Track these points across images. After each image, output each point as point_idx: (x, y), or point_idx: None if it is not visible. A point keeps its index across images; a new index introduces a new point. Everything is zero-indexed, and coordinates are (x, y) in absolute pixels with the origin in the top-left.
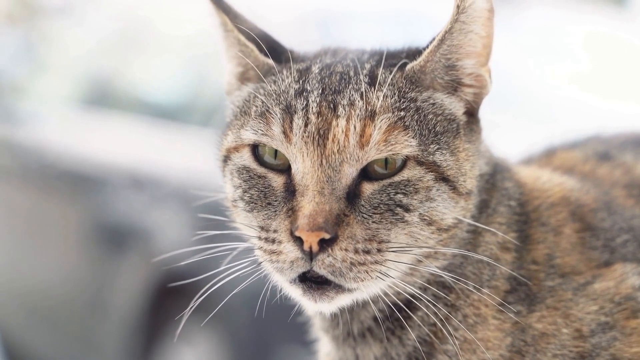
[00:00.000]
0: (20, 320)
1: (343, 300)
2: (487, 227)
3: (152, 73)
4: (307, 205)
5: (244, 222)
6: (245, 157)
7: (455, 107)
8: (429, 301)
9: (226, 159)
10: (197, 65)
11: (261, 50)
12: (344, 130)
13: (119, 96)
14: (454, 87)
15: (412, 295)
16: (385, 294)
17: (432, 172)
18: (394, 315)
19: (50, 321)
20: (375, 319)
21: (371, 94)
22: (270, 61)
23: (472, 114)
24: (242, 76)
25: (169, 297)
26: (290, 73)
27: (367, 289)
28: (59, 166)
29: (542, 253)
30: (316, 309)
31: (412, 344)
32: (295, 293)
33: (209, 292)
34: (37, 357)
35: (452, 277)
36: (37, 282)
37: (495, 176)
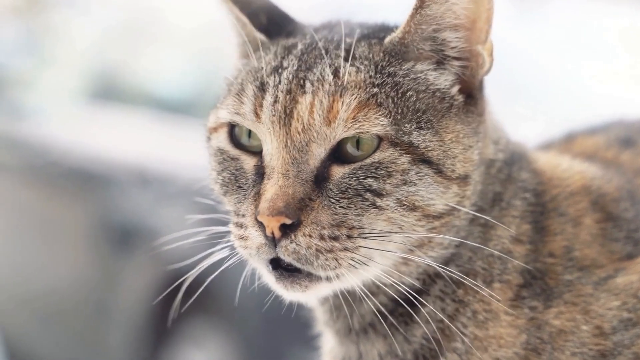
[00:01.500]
0: (24, 320)
1: (320, 290)
2: (497, 223)
3: (160, 65)
4: (270, 188)
5: (226, 206)
6: (221, 139)
7: (443, 82)
8: (435, 296)
9: (208, 140)
10: (207, 57)
11: (256, 23)
12: (309, 107)
13: (126, 90)
14: (438, 60)
15: (417, 289)
16: (384, 285)
17: (408, 153)
18: (399, 310)
19: (55, 321)
20: (376, 313)
21: (343, 69)
22: (261, 36)
23: (470, 94)
24: (240, 54)
25: (175, 295)
26: (275, 49)
27: (344, 278)
28: (64, 163)
29: (559, 245)
30: (291, 297)
31: (418, 341)
32: (269, 281)
33: (193, 276)
34: (42, 358)
35: (450, 271)
36: (41, 281)
37: (511, 167)
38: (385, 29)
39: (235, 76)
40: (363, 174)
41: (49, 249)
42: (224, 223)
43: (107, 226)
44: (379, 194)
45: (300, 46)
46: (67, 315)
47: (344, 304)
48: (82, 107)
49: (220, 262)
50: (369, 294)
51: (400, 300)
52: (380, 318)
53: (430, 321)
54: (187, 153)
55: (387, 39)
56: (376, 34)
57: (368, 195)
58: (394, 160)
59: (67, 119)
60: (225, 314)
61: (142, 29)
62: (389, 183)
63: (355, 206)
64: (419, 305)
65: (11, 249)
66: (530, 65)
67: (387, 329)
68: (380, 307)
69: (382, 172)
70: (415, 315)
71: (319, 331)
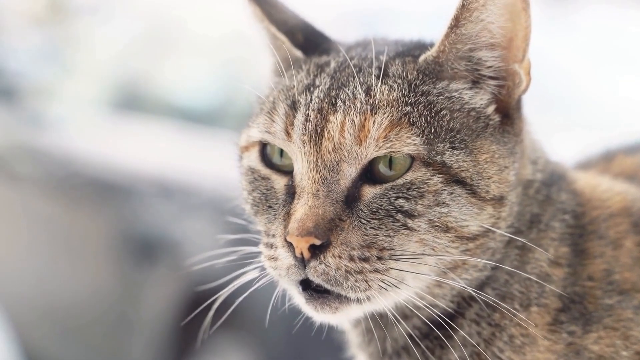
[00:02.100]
0: (44, 332)
1: (351, 312)
2: (531, 244)
3: (183, 75)
4: (300, 208)
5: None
6: (252, 158)
7: (478, 101)
8: (471, 319)
9: (239, 159)
10: (231, 66)
11: (294, 42)
12: (340, 126)
13: (149, 100)
14: (474, 79)
15: (452, 312)
16: (417, 308)
17: (440, 173)
18: (433, 334)
19: (75, 334)
20: (411, 336)
21: (375, 87)
22: (298, 52)
23: (506, 113)
24: (273, 72)
25: (199, 312)
26: (308, 67)
27: (375, 300)
28: (86, 174)
29: (599, 268)
30: (321, 319)
31: None
32: (300, 302)
33: (225, 294)
34: None
35: (479, 293)
36: (61, 294)
37: (550, 188)
38: (421, 47)
39: (267, 95)
40: (394, 195)
41: (70, 261)
42: (254, 243)
43: (129, 238)
44: (410, 215)
45: (333, 64)
46: (88, 328)
47: (379, 326)
48: (104, 117)
49: (249, 281)
50: (399, 317)
51: (433, 324)
52: (414, 342)
53: (466, 345)
54: (211, 164)
55: (422, 58)
56: (411, 51)
57: (399, 216)
58: (427, 181)
59: (89, 129)
60: (250, 331)
61: (166, 38)
62: (421, 204)
63: (386, 227)
64: (454, 329)
65: (32, 261)
66: (563, 74)
67: (421, 353)
68: (414, 330)
69: (414, 192)
70: (450, 339)
71: (352, 354)
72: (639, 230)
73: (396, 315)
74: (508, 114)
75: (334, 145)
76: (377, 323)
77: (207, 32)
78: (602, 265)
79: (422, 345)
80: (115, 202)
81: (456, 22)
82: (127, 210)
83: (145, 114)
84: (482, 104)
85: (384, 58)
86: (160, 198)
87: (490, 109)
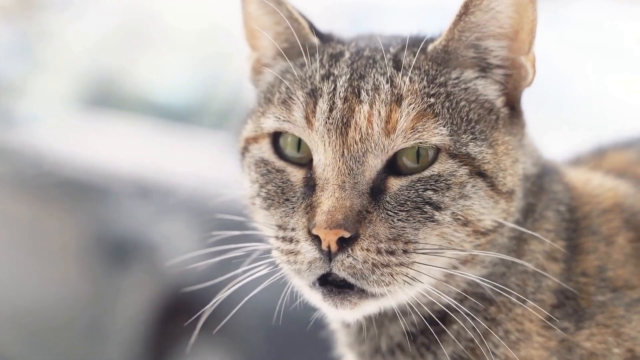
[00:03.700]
0: (14, 339)
1: (368, 307)
2: (533, 233)
3: (160, 71)
4: (326, 200)
5: (262, 220)
6: (264, 149)
7: (490, 92)
8: (466, 314)
9: (244, 150)
10: (209, 62)
11: (312, 28)
12: (367, 117)
13: (124, 96)
14: (481, 68)
15: (448, 307)
16: (417, 305)
17: (466, 165)
18: (428, 330)
19: (47, 341)
20: (406, 333)
21: (397, 78)
22: (316, 40)
23: (512, 106)
24: (280, 54)
25: (176, 316)
26: (321, 57)
27: (395, 295)
28: (58, 173)
29: (592, 264)
30: (338, 316)
31: None
32: (315, 298)
33: (223, 296)
34: None
35: (492, 285)
36: (34, 298)
37: (543, 178)
38: (419, 40)
39: (272, 84)
40: (422, 187)
41: (40, 264)
42: (254, 239)
43: (103, 240)
44: (437, 207)
45: (347, 54)
46: (58, 333)
47: (373, 324)
48: (77, 114)
49: (229, 280)
50: (401, 313)
51: (429, 320)
52: (410, 338)
53: (459, 340)
54: (189, 163)
55: (430, 47)
56: (415, 43)
57: (427, 208)
58: (454, 173)
59: (61, 127)
60: (230, 334)
61: (141, 32)
62: (447, 196)
63: (414, 219)
64: (449, 323)
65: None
66: (553, 71)
67: (416, 350)
68: (411, 327)
69: (442, 184)
70: (445, 335)
71: (339, 354)
72: (631, 227)
73: (398, 311)
74: (514, 106)
75: (361, 135)
76: (376, 320)
77: (184, 26)
78: (595, 261)
79: (418, 342)
80: (88, 202)
81: (465, 10)
82: (101, 211)
83: (119, 111)
84: (493, 96)
85: (395, 50)
86: (136, 198)
87: (500, 101)
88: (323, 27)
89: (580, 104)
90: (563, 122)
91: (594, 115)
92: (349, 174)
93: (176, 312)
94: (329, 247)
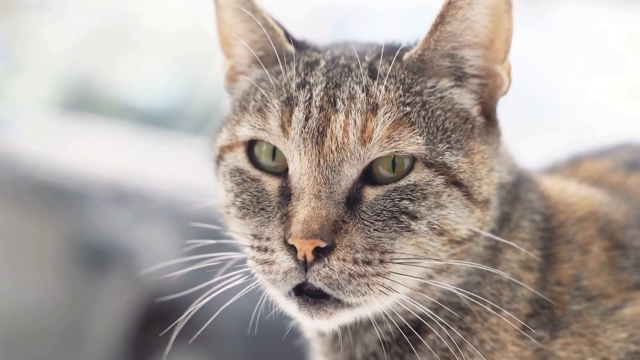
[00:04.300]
0: None
1: (344, 317)
2: (508, 242)
3: (138, 74)
4: (302, 210)
5: (238, 230)
6: (239, 158)
7: (466, 101)
8: (441, 323)
9: (219, 159)
10: (188, 66)
11: (287, 36)
12: (343, 126)
13: (102, 100)
14: (458, 76)
15: (423, 316)
16: (392, 314)
17: (442, 174)
18: (402, 339)
19: (24, 348)
20: (381, 342)
21: (373, 87)
22: (291, 48)
23: (488, 115)
24: (255, 62)
25: (154, 324)
26: (297, 65)
27: (370, 304)
28: (34, 178)
29: (567, 273)
30: (314, 325)
31: None
32: (291, 308)
33: (198, 306)
34: None
35: (467, 294)
36: (10, 304)
37: (518, 187)
38: (395, 48)
39: (247, 92)
40: (398, 196)
41: (17, 270)
42: (229, 249)
43: (80, 246)
44: (413, 216)
45: (323, 62)
46: (36, 339)
47: (348, 332)
48: (54, 118)
49: (205, 289)
50: (376, 322)
51: (404, 329)
52: (384, 347)
53: (436, 350)
54: (168, 168)
55: (406, 56)
56: (390, 52)
57: (403, 217)
58: (430, 182)
59: (38, 131)
60: (209, 342)
61: (119, 35)
62: (423, 205)
63: (390, 229)
64: (424, 333)
65: None
66: (534, 76)
67: (390, 359)
68: (385, 336)
69: (418, 194)
70: (420, 344)
71: None
72: (606, 236)
73: (373, 320)
74: (490, 115)
75: (337, 145)
76: (351, 329)
77: (163, 29)
78: (570, 270)
79: (392, 351)
80: (65, 207)
81: (441, 20)
82: (78, 217)
83: (97, 115)
84: (469, 105)
85: (370, 59)
86: (114, 204)
87: (475, 110)
88: (305, 32)
89: (563, 108)
90: (545, 126)
91: (576, 120)
92: (324, 183)
93: (154, 320)
94: (304, 257)
